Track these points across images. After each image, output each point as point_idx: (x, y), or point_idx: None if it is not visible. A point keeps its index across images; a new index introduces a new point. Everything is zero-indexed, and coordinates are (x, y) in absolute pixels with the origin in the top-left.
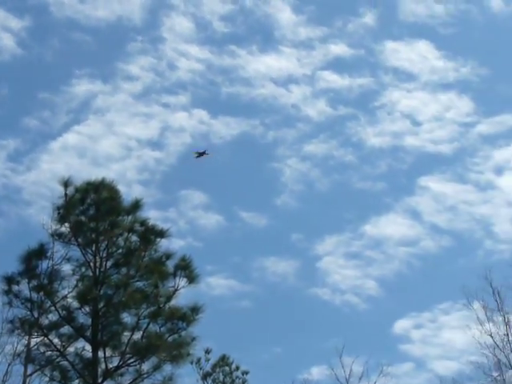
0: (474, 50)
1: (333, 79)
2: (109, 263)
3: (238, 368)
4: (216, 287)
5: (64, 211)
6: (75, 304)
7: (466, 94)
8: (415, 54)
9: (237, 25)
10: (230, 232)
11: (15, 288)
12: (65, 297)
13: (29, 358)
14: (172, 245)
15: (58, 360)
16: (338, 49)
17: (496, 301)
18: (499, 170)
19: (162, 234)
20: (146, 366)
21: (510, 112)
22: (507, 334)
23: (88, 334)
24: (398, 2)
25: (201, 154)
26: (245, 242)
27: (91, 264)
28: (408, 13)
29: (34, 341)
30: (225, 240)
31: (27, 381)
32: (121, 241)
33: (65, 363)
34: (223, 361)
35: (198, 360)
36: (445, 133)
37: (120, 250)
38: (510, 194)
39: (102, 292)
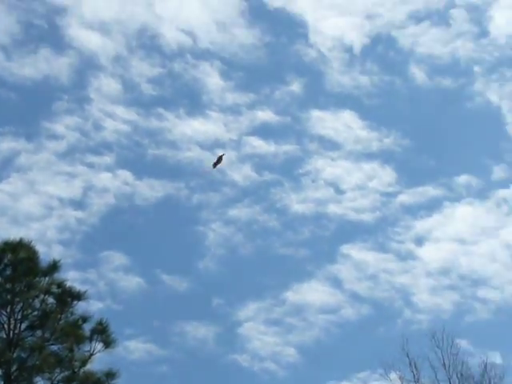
0: (397, 121)
1: (259, 145)
2: (23, 325)
3: None
4: (134, 351)
5: None
6: None
7: (388, 165)
8: (340, 124)
9: (165, 88)
10: (150, 295)
11: None
12: None
13: None
14: (91, 307)
15: None
16: (265, 115)
17: (412, 372)
18: (419, 241)
19: (79, 296)
20: None
21: (431, 183)
22: None
23: None
24: (324, 71)
25: (218, 162)
26: (165, 305)
27: (5, 326)
28: (334, 83)
29: None
30: (145, 303)
31: None
32: (37, 303)
33: None
34: None
35: None
36: (367, 202)
37: (36, 312)
38: (429, 264)
39: (15, 355)
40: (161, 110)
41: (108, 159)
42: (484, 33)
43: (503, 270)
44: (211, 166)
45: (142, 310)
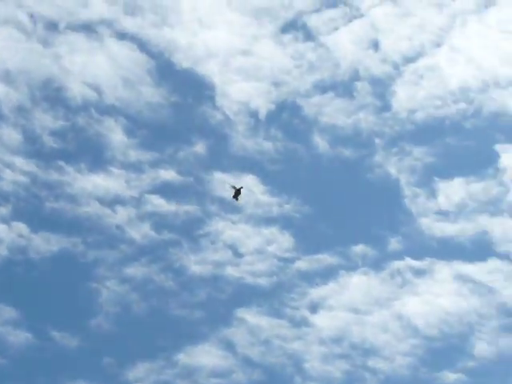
0: (298, 187)
1: (159, 204)
2: None
3: None
4: None
5: None
6: None
7: (287, 230)
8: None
9: (67, 141)
10: (38, 351)
11: None
12: None
13: None
14: None
15: None
16: (168, 174)
17: None
18: (314, 308)
19: None
20: None
21: (327, 251)
22: None
23: None
24: (229, 135)
25: (237, 193)
26: (53, 362)
27: None
28: (238, 146)
29: None
30: (32, 359)
31: None
32: None
33: None
34: None
35: None
36: (265, 266)
37: None
38: (322, 331)
39: None
40: (62, 164)
41: (4, 210)
42: (386, 106)
43: (394, 341)
44: (233, 196)
45: (28, 366)
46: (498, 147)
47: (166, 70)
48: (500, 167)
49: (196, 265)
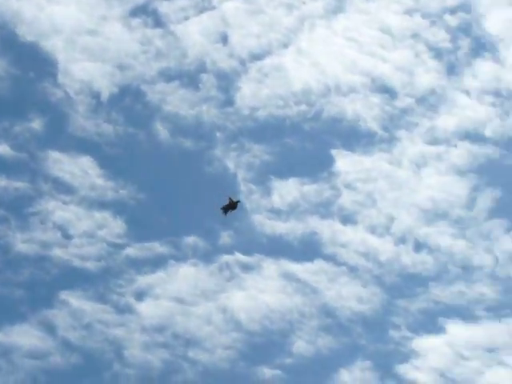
0: (135, 174)
1: None
2: None
3: None
4: None
5: None
6: None
7: (120, 216)
8: (77, 168)
9: None
10: None
11: None
12: None
13: None
14: None
15: None
16: (0, 148)
17: None
18: (140, 295)
19: None
20: None
21: (158, 240)
22: None
23: None
24: (68, 114)
25: (230, 206)
26: None
27: None
28: (77, 127)
29: None
30: None
31: None
32: None
33: None
34: None
35: None
36: (94, 250)
37: None
38: (146, 319)
39: None
40: None
41: None
42: (230, 101)
43: (216, 333)
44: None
45: None
46: (333, 152)
47: (7, 41)
48: (334, 171)
49: (22, 243)
